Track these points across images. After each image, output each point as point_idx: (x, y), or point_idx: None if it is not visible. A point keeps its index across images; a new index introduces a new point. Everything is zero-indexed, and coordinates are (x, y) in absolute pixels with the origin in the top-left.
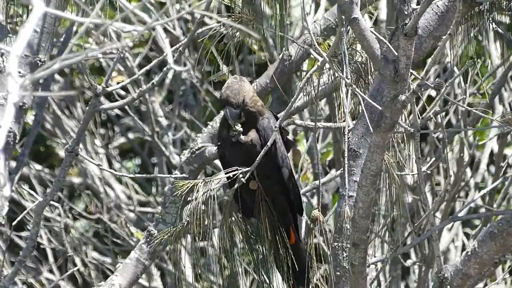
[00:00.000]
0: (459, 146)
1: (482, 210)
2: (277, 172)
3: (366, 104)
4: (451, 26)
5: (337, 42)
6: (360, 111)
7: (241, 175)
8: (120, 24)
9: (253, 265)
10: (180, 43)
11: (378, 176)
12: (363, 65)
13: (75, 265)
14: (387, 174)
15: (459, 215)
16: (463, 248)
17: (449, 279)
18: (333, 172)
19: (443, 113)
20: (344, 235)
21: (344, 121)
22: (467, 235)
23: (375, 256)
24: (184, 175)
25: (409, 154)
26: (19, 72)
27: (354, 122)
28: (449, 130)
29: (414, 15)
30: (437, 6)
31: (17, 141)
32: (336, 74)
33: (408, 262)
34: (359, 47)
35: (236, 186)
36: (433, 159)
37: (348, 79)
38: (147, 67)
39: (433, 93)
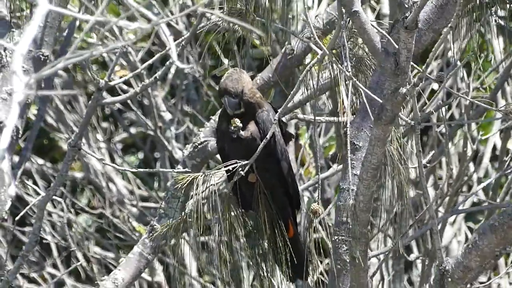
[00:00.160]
0: (462, 141)
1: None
2: (276, 165)
3: (366, 97)
4: (451, 19)
5: (337, 35)
6: (359, 104)
7: (240, 168)
8: (124, 22)
9: (253, 258)
10: (182, 38)
11: (379, 169)
12: (362, 59)
13: (78, 260)
14: (390, 167)
15: (460, 208)
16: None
17: (450, 272)
18: (335, 167)
19: (446, 107)
20: (344, 228)
21: (344, 114)
22: (471, 230)
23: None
24: (186, 169)
25: (410, 148)
26: (22, 67)
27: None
28: (450, 122)
29: (414, 8)
30: None
31: (20, 136)
32: (336, 67)
33: (411, 257)
34: (359, 40)
35: (235, 179)
36: (433, 152)
37: (349, 72)
38: (150, 61)
39: (436, 87)
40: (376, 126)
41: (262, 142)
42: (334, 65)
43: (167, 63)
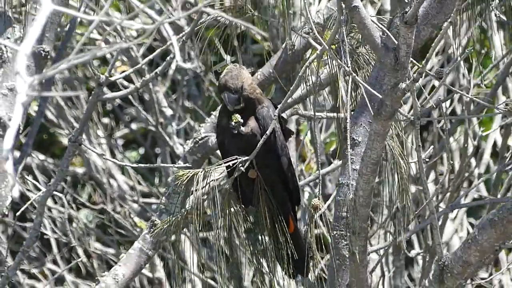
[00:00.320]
0: (463, 136)
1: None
2: (276, 161)
3: (365, 92)
4: (451, 14)
5: (336, 30)
6: (359, 99)
7: (240, 164)
8: (128, 22)
9: (255, 255)
10: (183, 33)
11: (378, 164)
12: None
13: (78, 256)
14: (390, 163)
15: (460, 203)
16: None
17: (450, 267)
18: (336, 162)
19: (448, 102)
20: (344, 223)
21: (343, 109)
22: (472, 226)
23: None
24: (187, 164)
25: (410, 143)
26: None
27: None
28: (450, 117)
29: (414, 3)
30: None
31: (21, 132)
32: (336, 62)
33: (412, 253)
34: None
35: (235, 175)
36: (432, 147)
37: (348, 67)
38: (150, 57)
39: (438, 83)
40: (376, 121)
41: (262, 138)
42: (333, 60)
43: (168, 58)
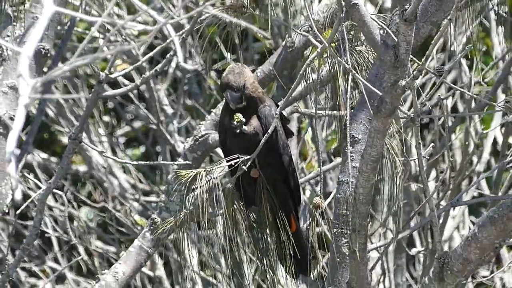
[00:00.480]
0: (463, 134)
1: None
2: (278, 160)
3: (365, 89)
4: (451, 12)
5: (336, 28)
6: (358, 97)
7: (242, 163)
8: (131, 23)
9: (256, 253)
10: (183, 30)
11: (378, 161)
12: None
13: (79, 254)
14: (390, 160)
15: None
16: None
17: (450, 264)
18: (337, 160)
19: (448, 99)
20: (344, 221)
21: (342, 107)
22: (474, 224)
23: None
24: (187, 162)
25: (410, 141)
26: None
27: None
28: (451, 115)
29: (413, 0)
30: None
31: (21, 130)
32: (335, 60)
33: (413, 251)
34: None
35: (237, 174)
36: (432, 145)
37: (348, 64)
38: (150, 54)
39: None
40: (376, 118)
41: (264, 137)
42: (333, 58)
43: (168, 55)
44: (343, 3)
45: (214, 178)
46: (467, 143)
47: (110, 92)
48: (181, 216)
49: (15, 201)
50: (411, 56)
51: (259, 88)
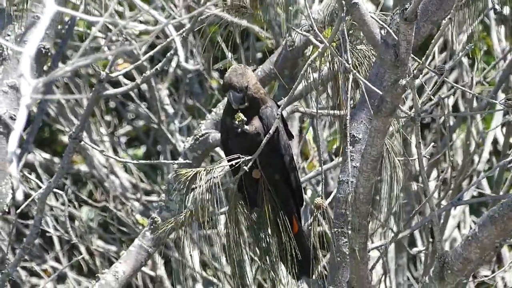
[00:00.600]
0: (465, 134)
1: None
2: (280, 160)
3: (366, 89)
4: (451, 11)
5: (337, 28)
6: (359, 96)
7: (243, 164)
8: (132, 23)
9: (258, 254)
10: (183, 29)
11: (378, 161)
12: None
13: (81, 253)
14: (390, 160)
15: (460, 200)
16: None
17: (450, 264)
18: (338, 159)
19: (450, 98)
20: (344, 220)
21: (344, 107)
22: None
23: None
24: (187, 161)
25: (410, 139)
26: None
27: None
28: (452, 114)
29: (414, 0)
30: None
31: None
32: (336, 60)
33: (414, 250)
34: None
35: (239, 174)
36: (432, 144)
37: (349, 64)
38: (151, 53)
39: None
40: (376, 118)
41: (266, 137)
42: (334, 57)
43: (168, 54)
44: (343, 2)
45: (214, 177)
46: (468, 142)
47: (110, 91)
48: (182, 216)
49: (16, 201)
50: (411, 55)
51: (261, 89)
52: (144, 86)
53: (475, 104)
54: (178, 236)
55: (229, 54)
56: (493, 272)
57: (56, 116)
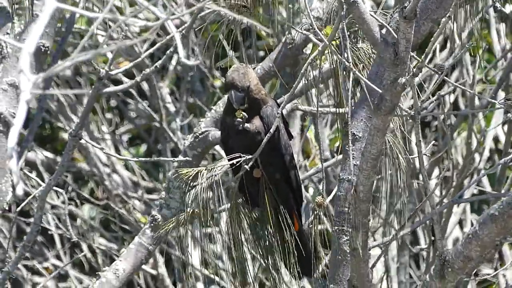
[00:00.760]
0: (467, 132)
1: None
2: (280, 159)
3: (366, 87)
4: (450, 9)
5: (337, 26)
6: (359, 94)
7: (244, 163)
8: (132, 19)
9: (260, 253)
10: (183, 26)
11: (378, 159)
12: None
13: (82, 251)
14: (390, 158)
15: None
16: None
17: (451, 262)
18: (338, 156)
19: (450, 96)
20: (344, 218)
21: (344, 105)
22: None
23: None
24: (187, 158)
25: (410, 137)
26: None
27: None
28: (451, 112)
29: None
30: None
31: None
32: (337, 58)
33: (416, 248)
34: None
35: (240, 173)
36: (433, 142)
37: (349, 62)
38: (150, 50)
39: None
40: (376, 116)
41: (266, 136)
42: (334, 56)
43: (168, 51)
44: (343, 1)
45: (214, 175)
46: (469, 141)
47: (110, 88)
48: (183, 214)
49: (16, 197)
50: (411, 54)
51: (262, 90)
52: (145, 85)
53: (477, 102)
54: (179, 235)
55: (230, 52)
56: (495, 270)
57: (56, 114)
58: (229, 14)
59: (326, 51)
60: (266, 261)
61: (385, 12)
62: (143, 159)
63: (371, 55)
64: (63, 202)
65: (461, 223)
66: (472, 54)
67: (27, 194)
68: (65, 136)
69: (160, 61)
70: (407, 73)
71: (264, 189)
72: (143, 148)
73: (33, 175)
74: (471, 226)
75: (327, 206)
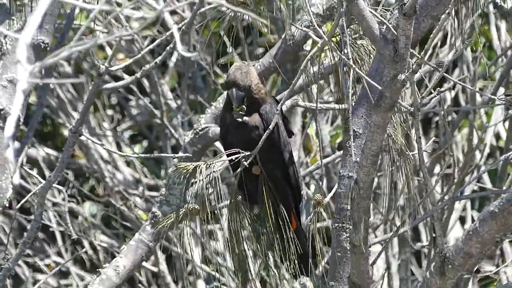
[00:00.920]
0: (468, 129)
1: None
2: (279, 156)
3: (366, 84)
4: (449, 5)
5: (336, 23)
6: (359, 91)
7: (243, 159)
8: (129, 10)
9: (259, 249)
10: (183, 22)
11: (378, 156)
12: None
13: (83, 248)
14: (391, 155)
15: (461, 195)
16: None
17: (451, 259)
18: (338, 153)
19: (451, 92)
20: (345, 215)
21: (345, 101)
22: None
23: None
24: (187, 154)
25: (410, 134)
26: None
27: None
28: (452, 109)
29: None
30: None
31: (21, 123)
32: (336, 55)
33: (417, 245)
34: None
35: (239, 170)
36: (433, 139)
37: (349, 59)
38: (150, 46)
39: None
40: (376, 113)
41: (266, 132)
42: (334, 53)
43: (168, 48)
44: None
45: (214, 171)
46: (470, 137)
47: (110, 84)
48: (182, 210)
49: (15, 187)
50: (411, 50)
51: (262, 89)
52: (146, 82)
53: (478, 98)
54: (179, 231)
55: (231, 49)
56: (497, 267)
57: (56, 110)
58: (227, 6)
59: (325, 48)
60: (266, 258)
61: (385, 9)
62: (143, 155)
63: (371, 51)
64: (64, 199)
65: (463, 220)
66: (474, 49)
67: (27, 191)
68: (66, 132)
69: (160, 57)
70: (406, 70)
71: (263, 186)
72: (144, 144)
73: (34, 172)
74: (472, 219)
75: (326, 203)
